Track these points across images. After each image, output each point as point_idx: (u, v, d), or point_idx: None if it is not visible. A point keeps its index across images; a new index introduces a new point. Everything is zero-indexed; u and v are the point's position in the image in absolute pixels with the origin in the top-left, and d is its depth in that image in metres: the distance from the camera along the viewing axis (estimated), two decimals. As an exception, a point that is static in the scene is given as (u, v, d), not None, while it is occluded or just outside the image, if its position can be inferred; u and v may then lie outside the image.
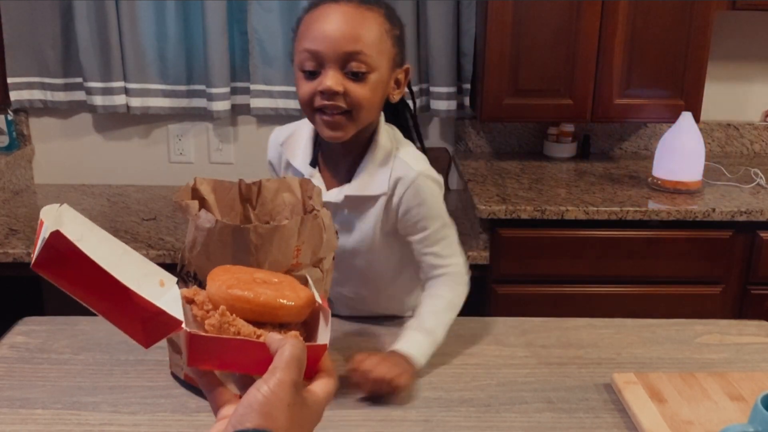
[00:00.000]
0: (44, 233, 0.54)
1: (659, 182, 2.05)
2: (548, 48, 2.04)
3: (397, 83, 1.10)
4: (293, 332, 0.60)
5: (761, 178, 2.11)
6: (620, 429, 0.90)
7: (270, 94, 2.23)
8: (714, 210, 1.88)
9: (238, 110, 2.28)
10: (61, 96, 2.24)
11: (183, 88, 2.23)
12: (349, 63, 1.01)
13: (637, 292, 1.96)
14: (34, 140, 2.32)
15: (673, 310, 1.83)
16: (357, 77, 1.02)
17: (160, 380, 0.99)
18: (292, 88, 2.23)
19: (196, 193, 0.97)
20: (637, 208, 1.89)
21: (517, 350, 1.11)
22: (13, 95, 2.20)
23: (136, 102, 2.22)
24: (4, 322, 1.19)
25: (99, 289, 0.56)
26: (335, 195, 1.10)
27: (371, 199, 1.10)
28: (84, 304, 0.58)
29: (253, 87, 2.22)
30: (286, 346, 0.55)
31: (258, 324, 0.60)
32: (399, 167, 1.09)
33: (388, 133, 1.12)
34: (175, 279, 0.65)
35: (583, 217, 1.88)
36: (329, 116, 1.03)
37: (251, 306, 0.59)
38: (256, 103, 2.24)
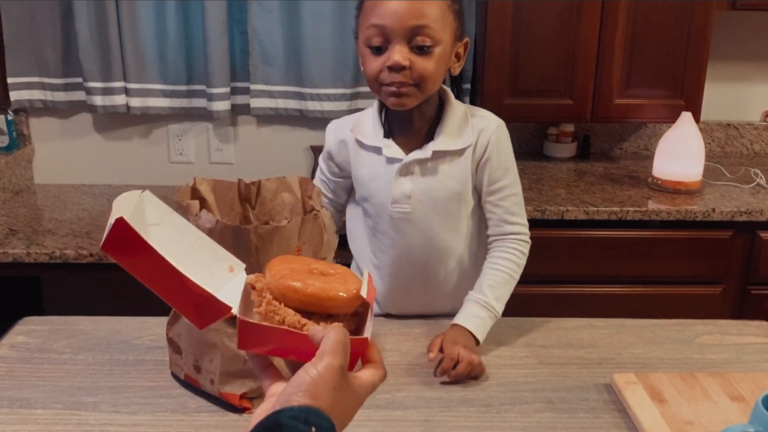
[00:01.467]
0: (111, 219, 0.59)
1: (659, 182, 2.05)
2: (548, 48, 2.04)
3: (458, 56, 1.16)
4: (337, 323, 0.62)
5: (761, 178, 2.11)
6: (620, 429, 0.90)
7: (270, 94, 2.23)
8: (714, 210, 1.88)
9: (238, 110, 2.28)
10: (61, 96, 2.24)
11: (183, 88, 2.23)
12: (416, 37, 1.06)
13: (637, 292, 1.96)
14: (34, 140, 2.32)
15: (673, 311, 1.83)
16: (423, 51, 1.07)
17: (160, 380, 0.99)
18: (292, 88, 2.23)
19: (195, 193, 0.98)
20: (637, 208, 1.89)
21: (518, 350, 1.11)
22: (13, 95, 2.20)
23: (136, 102, 2.22)
24: (4, 322, 1.19)
25: (157, 273, 0.61)
26: (422, 152, 1.15)
27: (458, 153, 1.16)
28: (145, 285, 0.63)
29: (253, 87, 2.22)
30: (331, 333, 0.57)
31: (307, 314, 0.62)
32: (479, 121, 1.17)
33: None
34: (244, 265, 0.68)
35: (583, 217, 1.88)
36: (396, 88, 1.08)
37: (299, 296, 0.62)
38: (256, 103, 2.24)
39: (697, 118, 2.04)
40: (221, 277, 0.65)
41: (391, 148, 1.16)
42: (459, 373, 1.01)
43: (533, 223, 1.95)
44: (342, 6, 2.15)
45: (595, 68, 2.06)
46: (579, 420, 0.92)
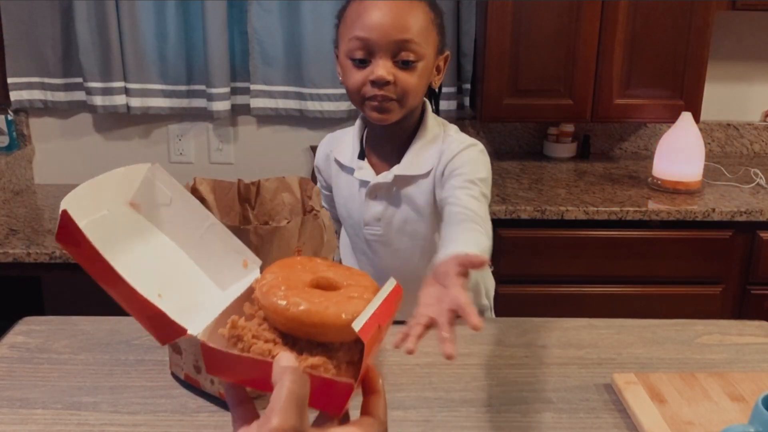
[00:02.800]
0: (65, 204, 0.54)
1: (659, 182, 2.05)
2: (548, 48, 2.04)
3: (438, 70, 1.15)
4: (312, 360, 0.50)
5: (761, 178, 2.11)
6: (620, 429, 0.90)
7: (270, 94, 2.23)
8: (714, 210, 1.88)
9: (238, 110, 2.28)
10: (61, 96, 2.24)
11: (183, 88, 2.23)
12: (400, 52, 1.05)
13: (637, 292, 1.96)
14: (34, 140, 2.32)
15: (673, 311, 1.83)
16: (406, 66, 1.06)
17: (160, 380, 0.99)
18: (292, 88, 2.23)
19: (195, 193, 0.97)
20: (637, 208, 1.89)
21: (518, 350, 1.11)
22: (13, 95, 2.20)
23: (136, 102, 2.22)
24: (4, 322, 1.19)
25: (106, 277, 0.54)
26: (384, 176, 1.14)
27: (421, 177, 1.14)
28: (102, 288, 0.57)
29: (253, 87, 2.22)
30: (284, 382, 0.45)
31: (293, 339, 0.51)
32: (448, 144, 1.13)
33: (434, 117, 1.17)
34: (260, 262, 0.60)
35: (583, 217, 1.88)
36: (378, 102, 1.06)
37: (280, 318, 0.51)
38: (256, 103, 2.24)
39: (697, 118, 2.04)
40: (233, 272, 0.58)
41: (363, 170, 1.16)
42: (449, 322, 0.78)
43: (534, 223, 1.96)
44: (341, 5, 2.14)
45: (595, 68, 2.06)
46: (579, 420, 0.92)
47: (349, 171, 1.19)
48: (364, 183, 1.17)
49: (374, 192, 1.16)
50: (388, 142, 1.16)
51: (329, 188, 1.27)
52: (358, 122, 1.20)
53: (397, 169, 1.14)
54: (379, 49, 1.04)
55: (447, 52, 1.15)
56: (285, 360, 0.47)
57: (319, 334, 0.51)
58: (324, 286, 0.54)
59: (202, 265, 0.57)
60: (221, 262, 0.57)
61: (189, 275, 0.61)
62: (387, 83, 1.04)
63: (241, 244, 0.61)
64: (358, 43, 1.05)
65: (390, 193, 1.16)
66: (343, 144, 1.21)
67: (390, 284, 0.54)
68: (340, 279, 0.55)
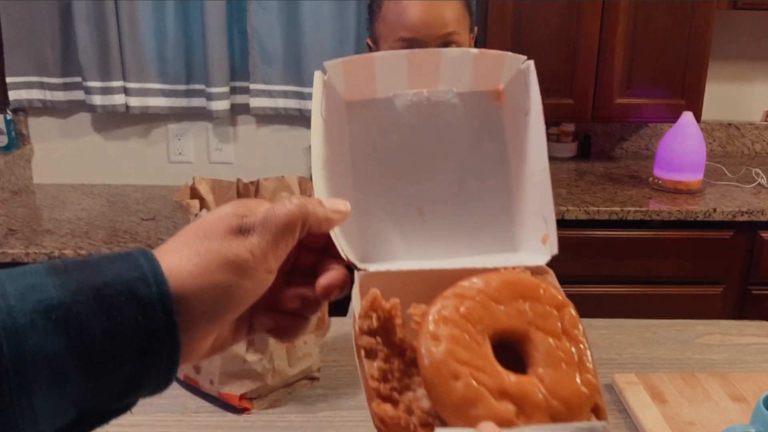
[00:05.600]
0: None
1: (660, 182, 2.04)
2: (549, 47, 2.04)
3: (469, 47, 1.19)
4: None
5: (762, 178, 2.11)
6: (621, 430, 0.89)
7: (270, 94, 2.23)
8: (715, 210, 1.88)
9: (237, 110, 2.28)
10: (60, 95, 2.24)
11: (182, 87, 2.23)
12: (446, 45, 1.08)
13: (638, 292, 1.95)
14: (33, 140, 2.32)
15: (673, 311, 1.82)
16: None
17: (159, 380, 0.99)
18: (292, 88, 2.23)
19: (194, 193, 0.97)
20: (638, 208, 1.88)
21: (518, 350, 1.11)
22: (12, 95, 2.20)
23: (135, 101, 2.21)
24: (3, 322, 1.19)
25: None
26: None
27: None
28: None
29: (252, 86, 2.22)
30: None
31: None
32: None
33: None
34: (555, 250, 0.48)
35: (583, 217, 1.88)
36: None
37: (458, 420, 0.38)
38: (255, 102, 2.23)
39: (697, 117, 2.04)
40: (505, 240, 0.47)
41: None
42: None
43: (533, 223, 1.95)
44: (342, 6, 2.14)
45: (595, 68, 2.06)
46: (580, 421, 0.92)
47: None
48: None
49: None
50: None
51: None
52: None
53: None
54: (425, 47, 1.08)
55: (476, 28, 1.19)
56: None
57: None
58: (506, 339, 0.42)
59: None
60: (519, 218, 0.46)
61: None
62: None
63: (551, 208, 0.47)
64: (404, 43, 1.08)
65: None
66: None
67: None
68: (518, 319, 0.42)
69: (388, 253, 0.49)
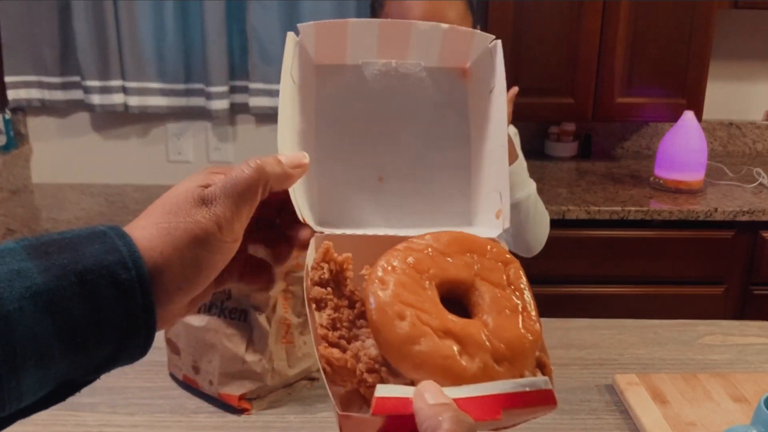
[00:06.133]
0: None
1: (661, 182, 2.04)
2: (549, 47, 2.03)
3: None
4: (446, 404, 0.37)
5: (764, 177, 2.10)
6: (622, 430, 0.89)
7: (269, 93, 2.23)
8: (716, 210, 1.88)
9: (236, 109, 2.28)
10: (58, 95, 2.23)
11: (181, 86, 2.22)
12: None
13: (639, 292, 1.95)
14: (31, 139, 2.31)
15: (674, 311, 1.82)
16: None
17: (158, 381, 0.98)
18: (292, 87, 2.22)
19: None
20: (639, 208, 1.88)
21: (518, 351, 1.10)
22: (11, 94, 2.20)
23: (134, 101, 2.21)
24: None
25: None
26: None
27: None
28: None
29: (252, 86, 2.22)
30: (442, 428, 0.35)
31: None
32: None
33: None
34: (507, 224, 0.47)
35: (584, 217, 1.88)
36: None
37: (407, 363, 0.39)
38: (255, 101, 2.23)
39: (699, 117, 2.03)
40: (459, 211, 0.48)
41: None
42: None
43: (534, 223, 1.95)
44: (342, 5, 2.14)
45: (596, 67, 2.05)
46: (581, 421, 0.91)
47: None
48: None
49: None
50: None
51: None
52: None
53: None
54: None
55: (478, 26, 1.20)
56: (431, 396, 0.36)
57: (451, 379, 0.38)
58: (453, 291, 0.43)
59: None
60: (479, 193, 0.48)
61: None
62: None
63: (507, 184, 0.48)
64: None
65: None
66: None
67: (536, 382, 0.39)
68: (465, 270, 0.43)
69: (345, 219, 0.50)
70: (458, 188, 0.51)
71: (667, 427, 0.85)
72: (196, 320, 0.92)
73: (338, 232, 0.48)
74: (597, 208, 1.87)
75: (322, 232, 0.47)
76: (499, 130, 0.49)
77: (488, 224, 0.49)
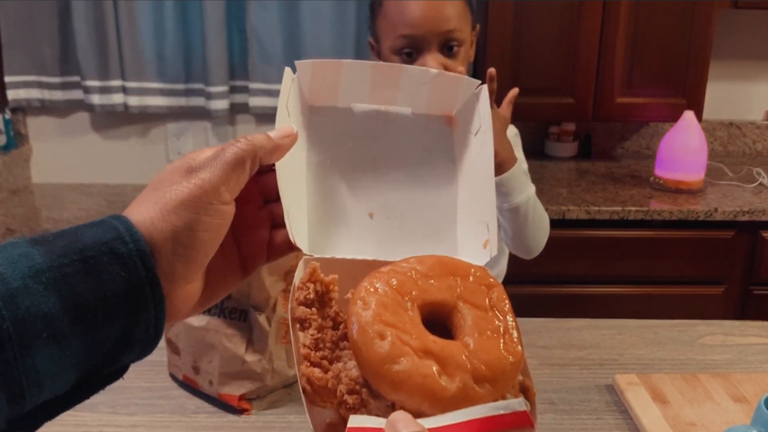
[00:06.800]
0: None
1: (661, 182, 2.04)
2: (549, 47, 2.03)
3: (471, 44, 1.19)
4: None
5: (764, 177, 2.10)
6: (622, 430, 0.89)
7: (269, 93, 2.22)
8: (716, 210, 1.87)
9: (236, 109, 2.27)
10: (58, 95, 2.23)
11: (181, 86, 2.22)
12: (445, 42, 1.10)
13: (639, 292, 1.95)
14: (31, 139, 2.31)
15: (675, 311, 1.82)
16: (451, 52, 1.11)
17: (158, 381, 0.98)
18: (292, 87, 2.22)
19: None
20: (639, 208, 1.88)
21: (518, 351, 1.10)
22: (11, 94, 2.20)
23: (134, 101, 2.21)
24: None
25: None
26: None
27: None
28: None
29: (251, 85, 2.21)
30: None
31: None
32: None
33: None
34: (494, 252, 0.48)
35: (584, 217, 1.87)
36: None
37: (385, 384, 0.39)
38: (254, 101, 2.23)
39: (699, 117, 2.03)
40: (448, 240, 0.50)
41: None
42: None
43: (534, 223, 1.95)
44: (342, 5, 2.14)
45: (596, 67, 2.05)
46: (581, 421, 0.91)
47: None
48: None
49: None
50: None
51: None
52: None
53: None
54: (427, 44, 1.08)
55: (477, 25, 1.20)
56: (404, 426, 0.36)
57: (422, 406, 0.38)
58: (436, 313, 0.43)
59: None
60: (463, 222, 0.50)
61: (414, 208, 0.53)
62: None
63: (494, 216, 0.49)
64: (405, 40, 1.09)
65: None
66: None
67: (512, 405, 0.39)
68: (447, 292, 0.43)
69: (336, 249, 0.51)
70: (445, 223, 0.52)
71: (667, 427, 0.85)
72: (196, 320, 0.92)
73: (327, 255, 0.48)
74: (597, 208, 1.87)
75: (311, 255, 0.48)
76: (486, 167, 0.51)
77: (475, 253, 0.50)
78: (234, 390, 0.91)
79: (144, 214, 0.40)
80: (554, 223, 1.89)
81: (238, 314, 0.90)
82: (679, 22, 2.02)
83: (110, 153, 2.33)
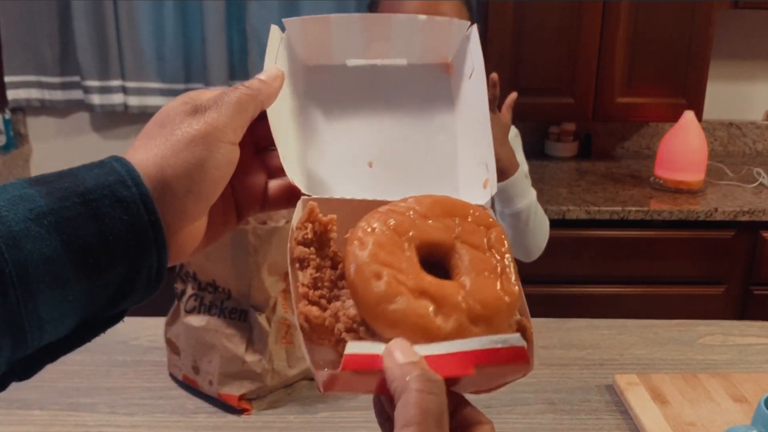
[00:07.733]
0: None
1: (661, 182, 2.04)
2: (549, 47, 2.03)
3: None
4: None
5: (764, 177, 2.10)
6: (622, 430, 0.89)
7: (269, 93, 2.23)
8: (716, 210, 1.87)
9: (237, 109, 2.27)
10: (58, 95, 2.23)
11: (181, 86, 2.22)
12: None
13: (639, 292, 1.95)
14: (31, 139, 2.31)
15: (675, 311, 1.82)
16: None
17: (158, 381, 0.98)
18: (292, 87, 2.22)
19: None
20: (639, 208, 1.88)
21: (518, 351, 1.10)
22: (11, 94, 2.20)
23: (133, 101, 2.21)
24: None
25: None
26: None
27: None
28: None
29: (252, 86, 2.22)
30: (410, 390, 0.34)
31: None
32: None
33: None
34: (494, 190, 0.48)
35: (584, 217, 1.87)
36: None
37: (382, 323, 0.39)
38: (255, 101, 2.23)
39: (699, 117, 2.03)
40: (447, 179, 0.51)
41: None
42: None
43: (534, 223, 1.95)
44: (341, 5, 2.14)
45: (596, 67, 2.05)
46: (580, 421, 0.91)
47: None
48: None
49: None
50: None
51: None
52: None
53: None
54: None
55: (475, 25, 1.19)
56: (401, 354, 0.36)
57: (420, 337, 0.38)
58: (434, 253, 0.42)
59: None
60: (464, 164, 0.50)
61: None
62: None
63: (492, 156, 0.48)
64: None
65: None
66: None
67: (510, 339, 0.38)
68: (445, 233, 0.42)
69: (335, 192, 0.51)
70: (445, 167, 0.52)
71: (667, 427, 0.85)
72: (196, 320, 0.92)
73: (326, 196, 0.48)
74: (597, 208, 1.87)
75: (309, 195, 0.47)
76: (482, 109, 0.50)
77: (475, 193, 0.49)
78: (234, 390, 0.91)
79: (154, 150, 0.40)
80: (554, 223, 1.89)
81: (238, 314, 0.90)
82: (679, 22, 2.02)
83: (110, 153, 2.30)
